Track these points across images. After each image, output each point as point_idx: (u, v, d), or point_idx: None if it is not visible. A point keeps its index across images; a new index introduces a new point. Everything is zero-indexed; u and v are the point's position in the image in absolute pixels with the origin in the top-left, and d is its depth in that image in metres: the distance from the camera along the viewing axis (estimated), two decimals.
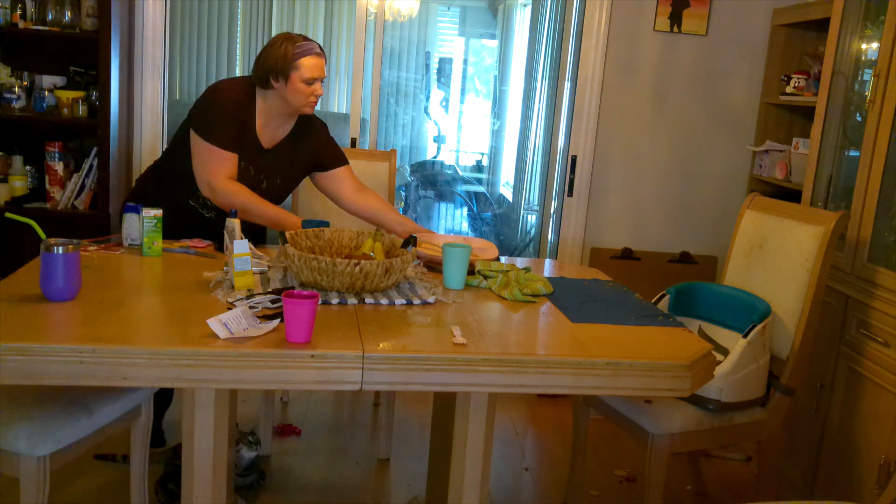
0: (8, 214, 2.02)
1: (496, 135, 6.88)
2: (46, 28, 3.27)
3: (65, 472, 2.65)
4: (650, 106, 3.64)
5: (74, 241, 1.83)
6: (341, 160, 2.71)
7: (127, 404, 2.13)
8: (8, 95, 3.34)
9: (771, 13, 3.58)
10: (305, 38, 2.46)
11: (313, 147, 2.66)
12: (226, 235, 2.26)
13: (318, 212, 3.11)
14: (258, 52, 2.49)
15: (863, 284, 2.57)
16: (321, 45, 2.49)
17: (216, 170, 2.43)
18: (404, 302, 1.98)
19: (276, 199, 2.62)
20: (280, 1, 6.77)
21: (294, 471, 2.88)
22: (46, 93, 3.36)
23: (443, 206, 6.95)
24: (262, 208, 2.46)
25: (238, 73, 6.82)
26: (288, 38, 2.44)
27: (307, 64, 2.42)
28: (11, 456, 1.85)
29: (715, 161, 3.71)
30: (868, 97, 2.60)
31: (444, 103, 7.16)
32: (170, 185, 2.58)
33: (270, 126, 2.54)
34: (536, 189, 5.28)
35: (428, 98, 7.09)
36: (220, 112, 2.44)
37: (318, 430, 3.22)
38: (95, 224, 3.30)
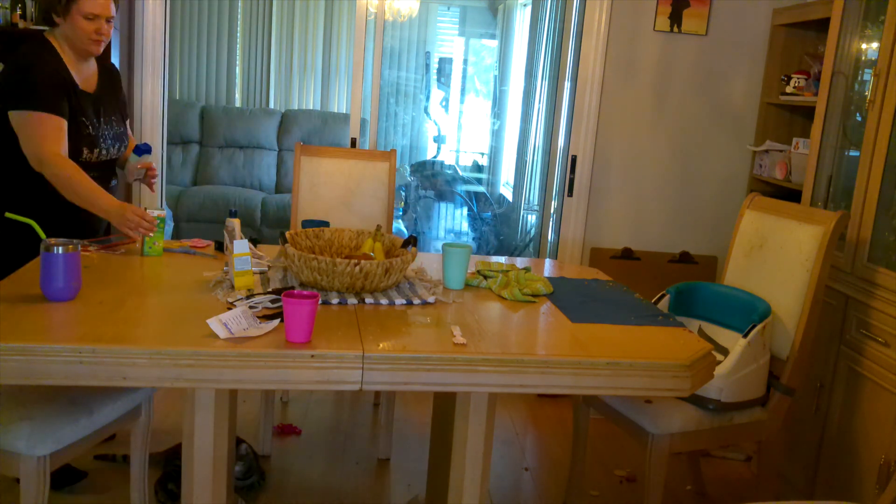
0: (8, 214, 2.02)
1: (496, 135, 6.88)
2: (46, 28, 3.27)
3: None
4: (650, 106, 3.64)
5: (74, 241, 1.83)
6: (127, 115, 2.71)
7: (127, 404, 2.13)
8: None
9: (771, 13, 3.58)
10: None
11: (121, 94, 2.65)
12: (226, 235, 2.26)
13: (318, 208, 3.11)
14: None
15: (863, 284, 2.57)
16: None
17: (44, 137, 2.29)
18: (404, 302, 1.98)
19: (121, 138, 2.59)
20: (280, 1, 6.77)
21: (294, 471, 2.88)
22: None
23: (443, 206, 6.95)
24: (95, 194, 2.32)
25: (238, 73, 6.82)
26: None
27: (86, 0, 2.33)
28: (11, 456, 1.85)
29: (715, 161, 3.71)
30: (868, 97, 2.60)
31: (444, 103, 7.16)
32: (25, 179, 2.35)
33: (78, 68, 2.45)
34: (536, 189, 5.28)
35: (428, 98, 7.09)
36: (39, 80, 2.31)
37: (318, 430, 3.22)
38: (95, 224, 3.29)
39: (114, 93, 2.60)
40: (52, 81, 2.34)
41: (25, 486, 1.86)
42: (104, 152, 2.51)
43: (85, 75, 2.48)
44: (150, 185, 2.60)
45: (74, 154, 2.39)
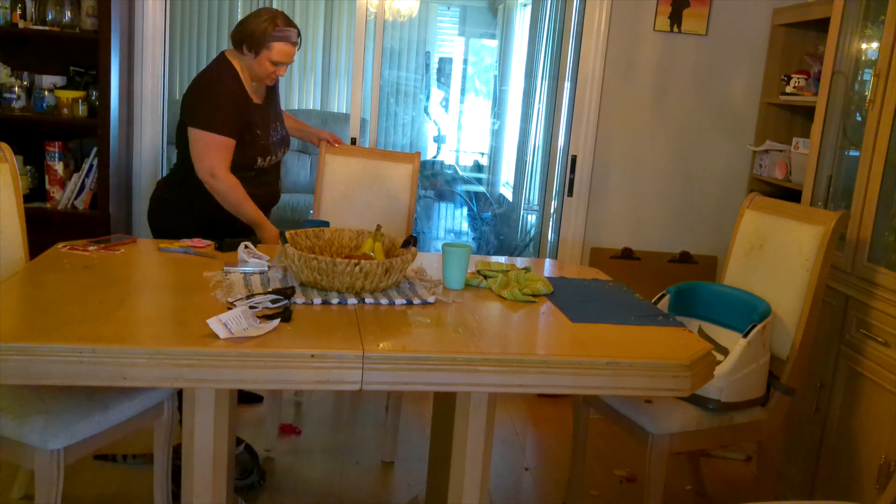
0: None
1: (496, 135, 6.88)
2: (46, 28, 3.27)
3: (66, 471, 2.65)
4: (650, 106, 3.64)
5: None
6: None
7: (145, 402, 2.13)
8: (8, 95, 3.34)
9: (771, 13, 3.58)
10: (288, 23, 2.62)
11: (279, 103, 2.95)
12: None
13: (339, 207, 3.15)
14: (244, 17, 2.66)
15: (863, 284, 2.57)
16: (300, 33, 2.70)
17: (220, 158, 2.59)
18: (404, 302, 1.98)
19: (286, 142, 2.88)
20: (280, 1, 6.77)
21: (294, 471, 2.88)
22: (46, 93, 3.35)
23: (443, 205, 6.95)
24: (250, 209, 2.66)
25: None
26: (272, 18, 2.60)
27: (279, 48, 2.60)
28: (26, 448, 1.88)
29: (715, 161, 3.71)
30: (868, 97, 2.60)
31: (444, 103, 7.16)
32: (196, 190, 2.65)
33: (251, 86, 2.72)
34: (536, 189, 5.28)
35: (428, 98, 7.09)
36: (220, 104, 2.60)
37: (318, 430, 3.22)
38: (95, 224, 3.30)
39: (275, 101, 2.86)
40: (229, 103, 2.61)
41: (39, 478, 1.88)
42: (273, 158, 2.78)
43: (256, 90, 2.75)
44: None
45: (249, 163, 2.68)
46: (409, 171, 3.16)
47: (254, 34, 2.59)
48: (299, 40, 2.66)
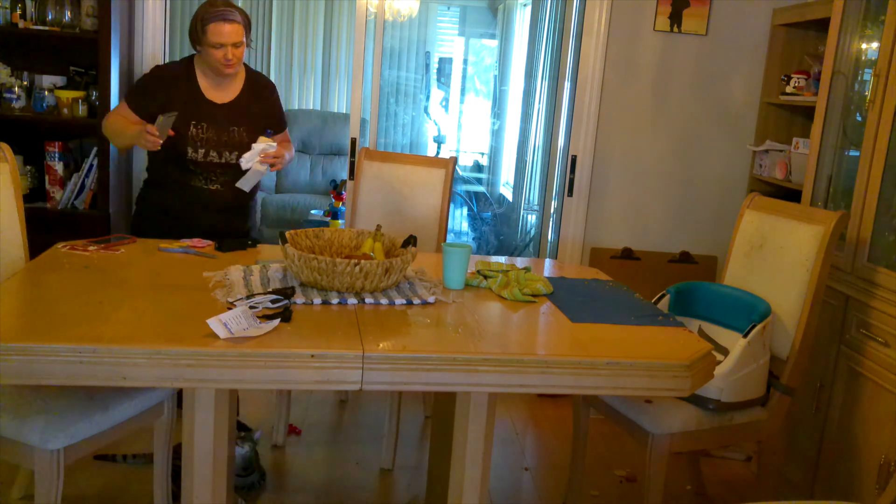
0: None
1: (496, 135, 6.88)
2: (46, 28, 3.27)
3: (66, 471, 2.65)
4: (650, 106, 3.64)
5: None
6: (283, 125, 3.03)
7: (144, 402, 2.13)
8: (8, 95, 3.33)
9: (771, 13, 3.58)
10: (227, 5, 2.61)
11: (267, 108, 2.88)
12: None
13: (373, 211, 3.18)
14: None
15: (863, 284, 2.57)
16: (243, 12, 2.67)
17: (111, 113, 2.76)
18: (404, 302, 1.98)
19: (241, 146, 2.73)
20: (280, 1, 6.77)
21: (294, 471, 2.88)
22: (46, 93, 3.35)
23: None
24: (123, 127, 2.65)
25: None
26: (208, 4, 2.62)
27: (212, 29, 2.58)
28: (26, 448, 1.88)
29: (715, 161, 3.70)
30: (868, 97, 2.60)
31: (444, 103, 7.16)
32: (166, 179, 2.76)
33: (214, 84, 2.74)
34: (536, 189, 5.28)
35: (428, 98, 7.09)
36: (142, 81, 2.80)
37: (318, 430, 3.22)
38: (95, 224, 3.30)
39: (255, 104, 2.82)
40: (151, 82, 2.74)
41: (39, 478, 1.88)
42: (212, 154, 2.70)
43: (222, 89, 2.76)
44: (271, 167, 2.76)
45: (181, 153, 2.67)
46: (442, 176, 3.18)
47: (193, 26, 2.63)
48: (240, 16, 2.63)
